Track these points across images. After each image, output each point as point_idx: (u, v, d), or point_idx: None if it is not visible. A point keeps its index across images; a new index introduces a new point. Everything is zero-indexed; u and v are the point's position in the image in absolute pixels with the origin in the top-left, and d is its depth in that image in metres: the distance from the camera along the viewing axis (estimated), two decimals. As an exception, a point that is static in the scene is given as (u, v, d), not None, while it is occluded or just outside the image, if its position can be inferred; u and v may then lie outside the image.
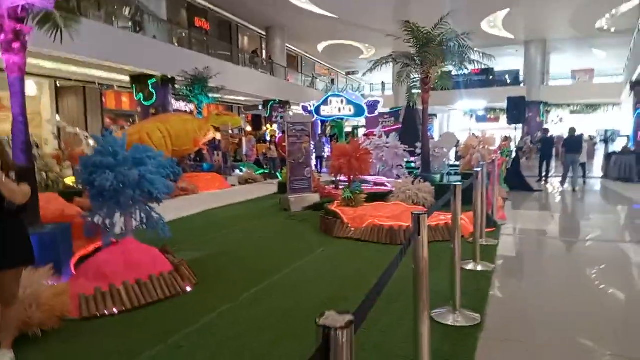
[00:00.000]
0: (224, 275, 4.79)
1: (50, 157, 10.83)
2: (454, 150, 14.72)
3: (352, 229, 6.31)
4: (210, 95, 16.91)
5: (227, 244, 6.21)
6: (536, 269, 5.20)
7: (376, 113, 17.62)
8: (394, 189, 9.04)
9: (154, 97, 17.99)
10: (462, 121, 37.18)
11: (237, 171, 14.87)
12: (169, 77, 17.32)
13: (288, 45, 34.22)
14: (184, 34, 24.78)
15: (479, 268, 4.81)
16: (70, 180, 10.91)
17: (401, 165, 11.27)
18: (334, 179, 9.68)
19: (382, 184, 10.26)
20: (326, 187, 9.95)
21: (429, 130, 31.99)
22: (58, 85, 21.32)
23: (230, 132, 14.92)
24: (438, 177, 10.38)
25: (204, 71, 16.03)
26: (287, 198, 8.79)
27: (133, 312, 3.79)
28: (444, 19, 9.46)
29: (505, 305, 4.01)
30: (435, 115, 37.03)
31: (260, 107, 29.48)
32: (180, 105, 19.63)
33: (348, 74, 46.43)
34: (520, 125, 26.91)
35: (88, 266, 4.09)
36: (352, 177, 8.32)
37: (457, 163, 13.23)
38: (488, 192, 7.32)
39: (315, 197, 9.03)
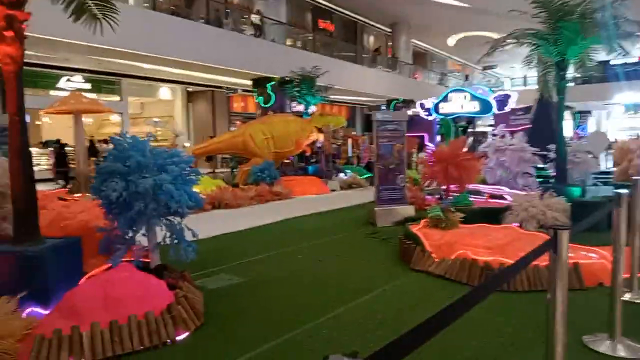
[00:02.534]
0: (242, 317, 3.71)
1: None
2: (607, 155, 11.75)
3: (436, 260, 4.74)
4: (320, 95, 16.23)
5: (279, 267, 5.14)
6: None
7: (507, 109, 15.10)
8: (513, 205, 7.09)
9: (272, 99, 18.03)
10: (625, 119, 31.20)
11: (342, 175, 13.84)
12: (288, 79, 17.08)
13: (415, 42, 32.40)
14: (309, 37, 24.82)
15: (620, 353, 2.96)
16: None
17: (529, 174, 9.05)
18: (429, 188, 8.01)
19: (501, 197, 8.26)
20: (427, 197, 8.33)
21: (582, 129, 27.34)
22: (189, 90, 22.78)
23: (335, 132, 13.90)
24: (578, 190, 8.01)
25: (312, 70, 15.36)
26: (373, 210, 7.45)
27: (92, 367, 2.92)
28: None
29: None
30: (589, 112, 31.70)
31: (383, 107, 28.27)
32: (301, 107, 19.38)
33: (485, 68, 42.71)
34: None
35: (66, 298, 3.34)
36: (448, 188, 6.64)
37: (609, 170, 10.38)
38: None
39: (409, 210, 7.52)
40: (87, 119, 21.30)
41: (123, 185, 3.95)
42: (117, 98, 19.26)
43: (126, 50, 13.16)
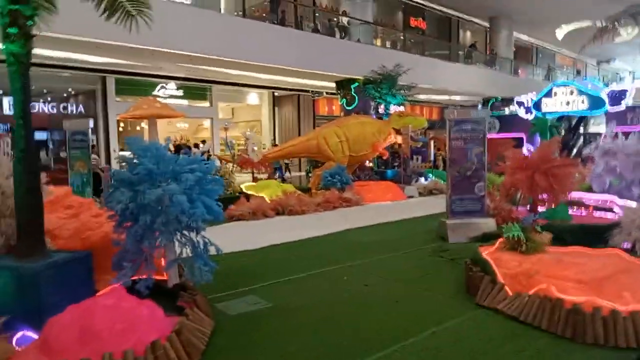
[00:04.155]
0: (247, 354, 3.08)
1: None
2: None
3: (509, 295, 3.70)
4: (402, 95, 15.22)
5: (316, 291, 4.43)
6: None
7: (623, 106, 12.83)
8: (623, 220, 5.65)
9: (356, 101, 17.44)
10: None
11: (422, 180, 12.70)
12: (371, 79, 16.33)
13: (518, 35, 29.74)
14: (400, 36, 23.95)
15: None
16: (244, 187, 10.81)
17: (650, 182, 7.33)
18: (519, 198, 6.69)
19: (610, 210, 6.74)
20: (514, 209, 7.04)
21: None
22: (276, 95, 23.01)
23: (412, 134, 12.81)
24: None
25: (394, 69, 14.41)
26: (443, 223, 6.43)
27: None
28: None
29: None
30: None
31: (479, 107, 26.28)
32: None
33: (600, 62, 38.13)
34: None
35: (46, 327, 2.93)
36: (536, 200, 5.40)
37: None
38: None
39: (489, 224, 6.36)
40: (183, 124, 22.54)
41: (130, 195, 3.55)
42: (207, 104, 19.95)
43: (215, 57, 13.36)
